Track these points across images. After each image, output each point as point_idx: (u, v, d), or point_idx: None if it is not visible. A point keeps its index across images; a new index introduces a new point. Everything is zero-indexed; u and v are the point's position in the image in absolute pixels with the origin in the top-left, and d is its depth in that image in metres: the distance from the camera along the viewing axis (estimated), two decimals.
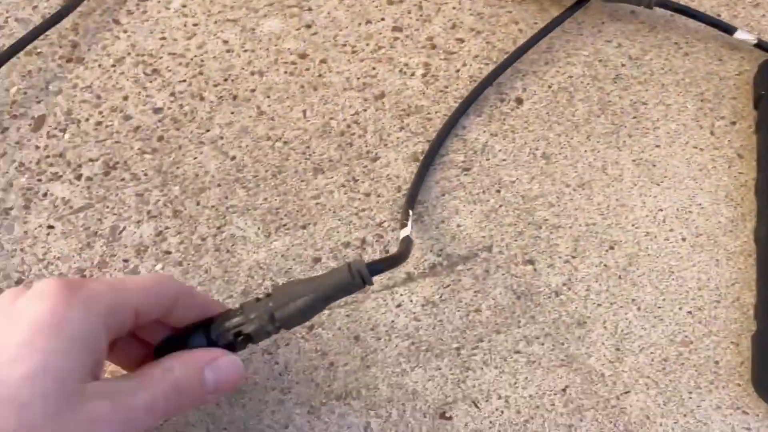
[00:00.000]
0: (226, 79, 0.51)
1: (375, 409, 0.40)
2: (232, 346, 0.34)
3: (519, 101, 0.51)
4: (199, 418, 0.39)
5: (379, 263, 0.36)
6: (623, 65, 0.53)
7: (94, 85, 0.51)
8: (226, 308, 0.35)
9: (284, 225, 0.46)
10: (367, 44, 0.53)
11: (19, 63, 0.51)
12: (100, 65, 0.51)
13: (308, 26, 0.54)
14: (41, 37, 0.51)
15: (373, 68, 0.53)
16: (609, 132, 0.50)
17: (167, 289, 0.33)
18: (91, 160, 0.47)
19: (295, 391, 0.40)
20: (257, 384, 0.40)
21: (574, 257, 0.45)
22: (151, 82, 0.51)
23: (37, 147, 0.48)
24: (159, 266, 0.44)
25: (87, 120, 0.49)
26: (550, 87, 0.52)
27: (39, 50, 0.52)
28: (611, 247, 0.45)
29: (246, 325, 0.33)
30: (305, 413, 0.39)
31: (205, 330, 0.33)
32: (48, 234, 0.45)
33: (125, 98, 0.50)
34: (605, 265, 0.44)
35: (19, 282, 0.43)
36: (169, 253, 0.44)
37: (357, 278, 0.34)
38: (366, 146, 0.49)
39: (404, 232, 0.41)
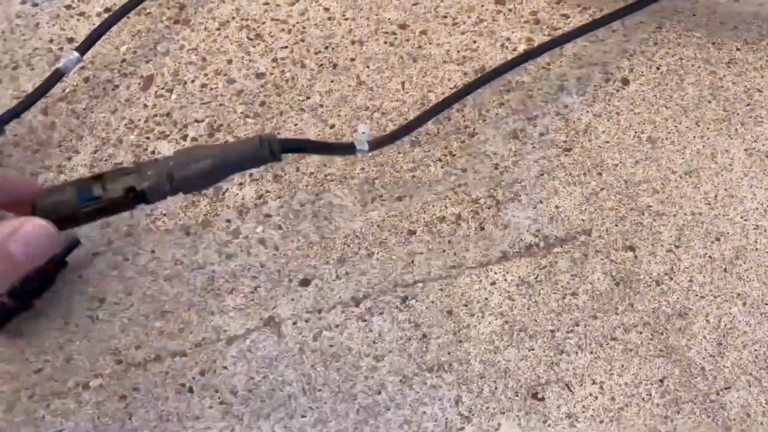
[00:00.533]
0: (326, 47, 0.52)
1: (467, 383, 0.40)
2: (119, 206, 0.31)
3: (625, 82, 0.50)
4: (295, 378, 0.40)
5: (294, 141, 0.33)
6: (738, 49, 0.50)
7: (200, 47, 0.52)
8: (40, 187, 0.32)
9: (380, 196, 0.46)
10: (469, 17, 0.53)
11: (129, 23, 0.53)
12: (205, 28, 0.52)
13: None
14: None
15: (474, 41, 0.52)
16: (720, 119, 0.48)
17: None
18: (196, 121, 0.49)
19: (388, 360, 0.41)
20: (351, 350, 0.41)
21: (677, 246, 0.43)
22: (254, 47, 0.52)
23: (146, 106, 0.49)
24: (259, 229, 0.45)
25: (193, 81, 0.50)
26: (658, 68, 0.50)
27: (148, 11, 0.53)
28: (717, 239, 0.44)
29: (140, 182, 0.30)
30: (398, 382, 0.40)
31: (79, 187, 0.31)
32: None
33: (229, 62, 0.51)
34: (710, 257, 0.43)
35: (128, 235, 0.45)
36: (269, 216, 0.45)
37: (266, 150, 0.32)
38: (464, 121, 0.49)
39: (361, 129, 0.40)
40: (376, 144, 0.41)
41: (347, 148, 0.39)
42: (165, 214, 0.45)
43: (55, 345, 0.41)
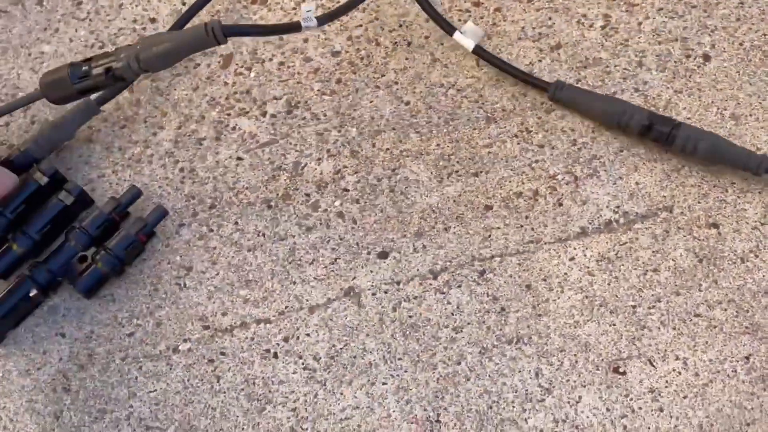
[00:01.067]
0: (401, 25, 0.52)
1: (546, 356, 0.40)
2: (103, 84, 0.41)
3: (706, 58, 0.49)
4: (375, 347, 0.41)
5: (236, 26, 0.43)
6: None
7: None
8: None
9: (456, 171, 0.47)
10: None
11: (208, 3, 0.54)
12: (282, 8, 0.53)
13: None
14: None
15: (549, 18, 0.51)
16: None
17: None
18: (275, 98, 0.50)
19: (467, 331, 0.41)
20: (430, 320, 0.42)
21: (763, 224, 0.42)
22: (329, 25, 0.52)
23: (226, 83, 0.51)
24: (338, 203, 0.46)
25: (270, 60, 0.51)
26: (741, 44, 0.49)
27: None
28: None
29: (116, 62, 0.39)
30: (477, 353, 0.40)
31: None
32: (237, 165, 0.48)
33: (305, 40, 0.52)
34: None
35: (212, 207, 0.46)
36: (347, 190, 0.46)
37: (210, 35, 0.39)
38: (540, 98, 0.48)
39: (305, 7, 0.43)
40: (327, 18, 0.44)
41: (293, 27, 0.43)
42: (247, 188, 0.47)
43: (146, 310, 0.43)
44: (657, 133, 0.43)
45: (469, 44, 0.48)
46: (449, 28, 0.48)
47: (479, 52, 0.48)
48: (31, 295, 0.42)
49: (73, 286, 0.42)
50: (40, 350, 0.42)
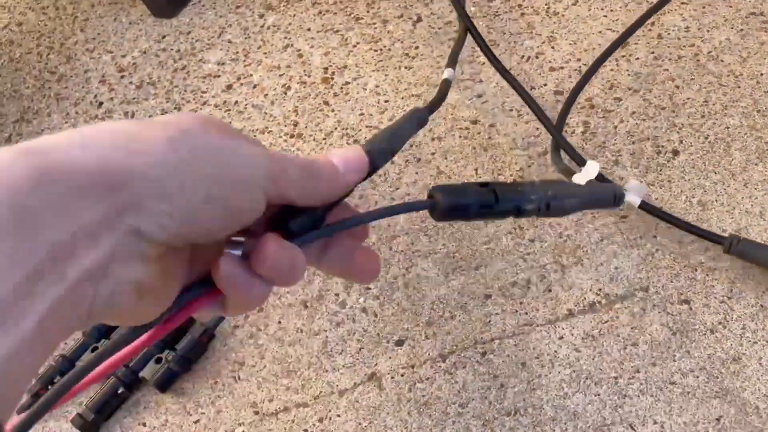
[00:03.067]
0: (411, 145, 0.62)
1: (540, 426, 0.46)
2: (501, 213, 0.34)
3: (675, 153, 0.56)
4: (394, 424, 0.48)
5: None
6: None
7: (310, 154, 0.64)
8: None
9: (460, 267, 0.55)
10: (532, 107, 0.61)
11: None
12: (314, 139, 0.65)
13: (479, 96, 0.63)
14: (270, 118, 0.66)
15: (537, 129, 0.60)
16: (767, 179, 0.52)
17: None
18: None
19: (471, 406, 0.48)
20: (440, 398, 0.49)
21: (730, 298, 0.48)
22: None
23: None
24: (361, 299, 0.55)
25: None
26: (706, 138, 0.56)
27: (269, 129, 0.67)
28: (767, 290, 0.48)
29: (524, 203, 0.35)
30: (480, 425, 0.47)
31: None
32: None
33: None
34: (762, 306, 0.47)
35: (260, 310, 0.56)
36: (369, 288, 0.55)
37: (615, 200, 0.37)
38: None
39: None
40: None
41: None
42: (288, 292, 0.56)
43: (208, 400, 0.53)
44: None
45: (636, 201, 0.50)
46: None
47: (645, 207, 0.50)
48: (119, 392, 0.52)
49: (151, 383, 0.53)
50: None
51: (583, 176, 0.52)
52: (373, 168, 0.33)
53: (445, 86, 0.52)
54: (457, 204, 0.34)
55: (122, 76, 0.74)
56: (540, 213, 0.37)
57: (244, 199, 0.25)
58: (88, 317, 0.23)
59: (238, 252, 0.28)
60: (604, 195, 0.39)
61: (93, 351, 0.53)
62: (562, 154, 0.55)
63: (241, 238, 0.28)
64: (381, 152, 0.37)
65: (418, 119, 0.40)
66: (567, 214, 0.39)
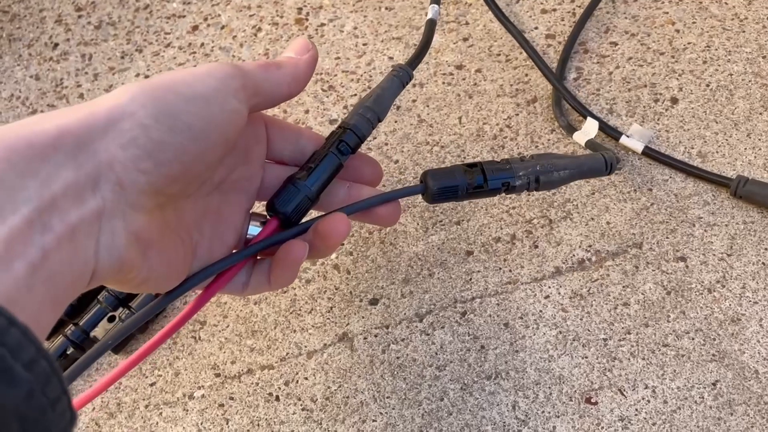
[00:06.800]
0: None
1: (523, 390, 0.43)
2: (487, 192, 0.37)
3: (674, 101, 0.52)
4: (366, 387, 0.45)
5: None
6: None
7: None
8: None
9: (440, 221, 0.51)
10: (521, 53, 0.57)
11: None
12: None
13: (465, 39, 0.59)
14: (239, 62, 0.61)
15: (526, 74, 0.56)
16: None
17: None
18: None
19: (449, 369, 0.44)
20: (416, 360, 0.45)
21: (729, 255, 0.44)
22: (327, 96, 0.58)
23: None
24: (334, 255, 0.51)
25: None
26: (708, 86, 0.52)
27: None
28: None
29: (514, 180, 0.37)
30: (458, 389, 0.44)
31: None
32: None
33: (306, 112, 0.58)
34: (763, 263, 0.44)
35: None
36: (342, 244, 0.51)
37: (607, 167, 0.39)
38: (517, 148, 0.52)
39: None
40: None
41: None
42: None
43: (166, 362, 0.49)
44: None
45: (638, 146, 0.48)
46: (615, 134, 0.49)
47: (648, 152, 0.48)
48: (68, 352, 0.48)
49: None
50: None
51: (582, 135, 0.49)
52: (360, 139, 0.37)
53: (430, 29, 0.47)
54: (446, 186, 0.36)
55: (80, 16, 0.68)
56: (530, 188, 0.37)
57: (212, 112, 0.26)
58: (94, 273, 0.24)
59: (257, 224, 0.35)
60: (596, 164, 0.39)
61: (110, 321, 0.49)
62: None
63: (264, 214, 0.34)
64: (366, 122, 0.38)
65: (400, 79, 0.39)
66: (558, 187, 0.39)
